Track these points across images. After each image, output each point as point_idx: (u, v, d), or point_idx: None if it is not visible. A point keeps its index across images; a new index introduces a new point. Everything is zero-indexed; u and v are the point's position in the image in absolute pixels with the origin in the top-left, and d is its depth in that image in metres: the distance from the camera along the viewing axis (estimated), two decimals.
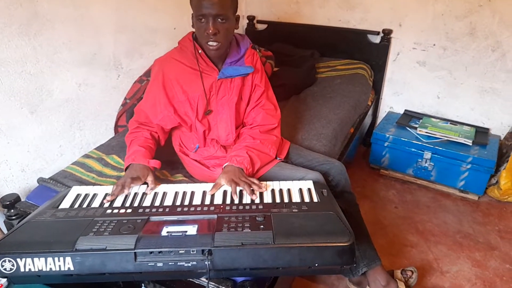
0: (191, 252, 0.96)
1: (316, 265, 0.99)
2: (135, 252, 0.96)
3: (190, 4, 1.34)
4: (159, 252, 0.96)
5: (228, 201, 1.20)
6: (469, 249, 1.96)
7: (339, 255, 0.98)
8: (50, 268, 0.95)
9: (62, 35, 1.64)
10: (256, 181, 1.28)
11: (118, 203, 1.20)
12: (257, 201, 1.19)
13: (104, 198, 1.22)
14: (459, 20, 2.30)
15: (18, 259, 0.95)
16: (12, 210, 1.40)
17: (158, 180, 1.39)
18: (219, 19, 1.28)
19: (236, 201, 1.20)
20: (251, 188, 1.24)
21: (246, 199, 1.20)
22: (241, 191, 1.25)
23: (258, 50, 2.29)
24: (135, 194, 1.25)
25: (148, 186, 1.29)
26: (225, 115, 1.47)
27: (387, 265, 1.77)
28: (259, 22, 2.90)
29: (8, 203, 1.39)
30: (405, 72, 2.60)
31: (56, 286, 1.23)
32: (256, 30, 2.92)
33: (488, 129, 2.47)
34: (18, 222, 1.36)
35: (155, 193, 1.25)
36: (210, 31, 1.27)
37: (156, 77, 1.44)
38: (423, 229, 2.09)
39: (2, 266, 0.96)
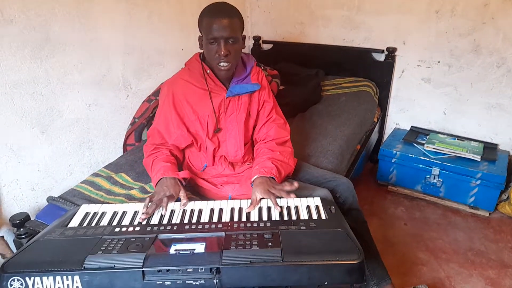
0: (199, 271, 0.95)
1: (326, 283, 0.97)
2: (143, 271, 0.95)
3: (199, 27, 1.37)
4: (167, 270, 0.95)
5: (236, 218, 1.20)
6: (482, 266, 1.92)
7: (349, 273, 0.97)
8: (59, 287, 0.95)
9: (73, 58, 1.69)
10: (288, 188, 1.30)
11: (126, 221, 1.20)
12: (265, 218, 1.18)
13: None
14: (463, 37, 2.32)
15: (27, 278, 0.95)
16: (21, 229, 1.40)
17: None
18: (229, 41, 1.32)
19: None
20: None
21: (254, 217, 1.20)
22: (247, 212, 1.24)
23: (264, 69, 2.33)
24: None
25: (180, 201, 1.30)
26: (234, 131, 1.49)
27: (398, 284, 1.73)
28: (265, 42, 2.96)
29: (17, 222, 1.39)
30: (410, 89, 2.62)
31: None
32: (262, 50, 2.97)
33: (496, 144, 2.45)
34: (27, 241, 1.36)
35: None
36: (222, 53, 1.31)
37: (166, 98, 1.47)
38: (433, 246, 2.06)
39: (11, 285, 0.95)
